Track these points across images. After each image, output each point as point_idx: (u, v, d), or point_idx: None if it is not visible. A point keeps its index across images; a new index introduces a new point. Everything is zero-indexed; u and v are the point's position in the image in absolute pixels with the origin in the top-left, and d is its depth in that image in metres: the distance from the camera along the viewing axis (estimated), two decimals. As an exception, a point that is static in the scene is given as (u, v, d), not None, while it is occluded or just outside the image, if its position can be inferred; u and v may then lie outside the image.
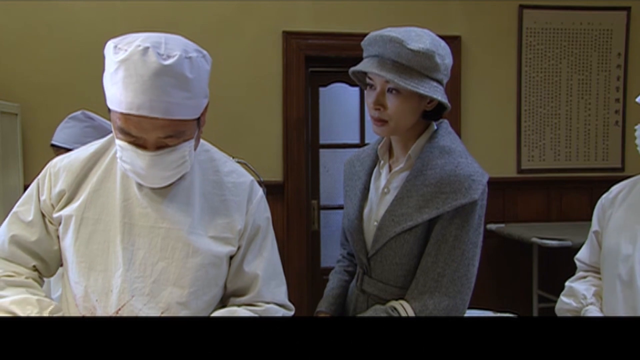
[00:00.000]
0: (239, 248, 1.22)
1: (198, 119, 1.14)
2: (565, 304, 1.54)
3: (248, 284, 1.23)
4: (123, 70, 1.03)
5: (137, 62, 1.02)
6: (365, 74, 1.37)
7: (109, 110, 1.10)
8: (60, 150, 2.00)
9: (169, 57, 1.04)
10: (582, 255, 1.62)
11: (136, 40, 1.04)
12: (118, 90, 1.04)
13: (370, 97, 1.35)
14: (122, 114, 1.05)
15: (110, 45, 1.07)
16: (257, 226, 1.25)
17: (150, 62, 1.02)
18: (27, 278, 1.21)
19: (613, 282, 1.44)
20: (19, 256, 1.22)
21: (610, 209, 1.54)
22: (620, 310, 1.39)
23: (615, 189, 1.57)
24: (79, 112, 2.04)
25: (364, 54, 1.37)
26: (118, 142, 1.10)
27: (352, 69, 1.38)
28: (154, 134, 1.07)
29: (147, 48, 1.03)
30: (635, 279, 1.37)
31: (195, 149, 1.18)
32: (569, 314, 1.52)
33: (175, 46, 1.06)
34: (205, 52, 1.14)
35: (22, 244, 1.21)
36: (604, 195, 1.58)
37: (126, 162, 1.11)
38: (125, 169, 1.14)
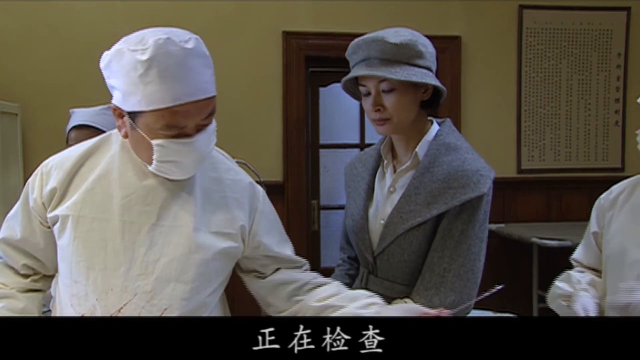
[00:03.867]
0: (258, 245, 1.27)
1: None
2: (559, 289, 1.49)
3: (282, 261, 1.33)
4: (155, 67, 1.03)
5: (166, 55, 1.03)
6: (356, 84, 1.38)
7: (131, 113, 1.09)
8: (93, 131, 1.96)
9: (186, 41, 1.06)
10: (578, 255, 1.60)
11: (145, 38, 1.05)
12: (156, 88, 1.03)
13: (367, 102, 1.36)
14: (167, 108, 1.05)
15: (119, 51, 1.06)
16: (269, 219, 1.31)
17: (177, 51, 1.04)
18: (11, 289, 1.22)
19: (619, 288, 1.41)
20: (10, 255, 1.24)
21: (611, 211, 1.50)
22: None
23: (615, 189, 1.54)
24: None
25: (350, 64, 1.39)
26: (158, 142, 1.09)
27: (344, 80, 1.40)
28: (198, 117, 1.09)
29: (166, 39, 1.04)
30: None
31: None
32: (561, 300, 1.47)
33: (177, 32, 1.08)
34: None
35: (10, 243, 1.23)
36: (603, 196, 1.55)
37: (169, 160, 1.11)
38: (163, 171, 1.13)
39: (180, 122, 1.07)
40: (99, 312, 1.13)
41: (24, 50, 2.98)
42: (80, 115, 2.02)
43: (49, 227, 1.21)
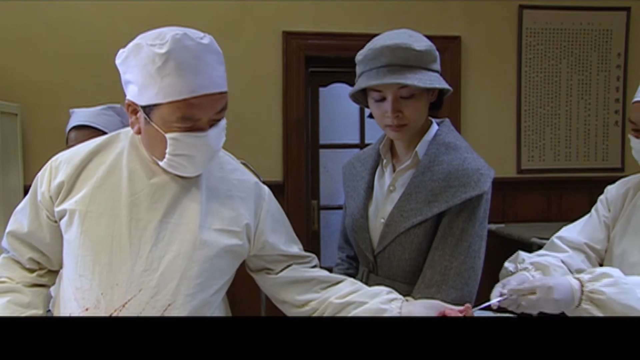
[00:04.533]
0: (264, 245, 1.29)
1: None
2: (504, 269, 1.43)
3: (290, 258, 1.37)
4: (173, 60, 1.07)
5: (183, 49, 1.07)
6: (364, 92, 1.38)
7: (147, 107, 1.11)
8: (93, 132, 1.97)
9: (201, 38, 1.11)
10: (567, 233, 1.49)
11: (163, 33, 1.09)
12: (173, 80, 1.07)
13: (381, 107, 1.35)
14: (184, 100, 1.08)
15: (137, 45, 1.10)
16: (275, 218, 1.33)
17: (193, 45, 1.09)
18: (17, 283, 1.25)
19: None
20: (16, 248, 1.26)
21: (619, 208, 1.47)
22: None
23: (623, 184, 1.50)
24: (117, 105, 2.05)
25: (365, 68, 1.35)
26: (172, 135, 1.12)
27: (360, 87, 1.35)
28: (212, 110, 1.13)
29: (183, 34, 1.08)
30: None
31: None
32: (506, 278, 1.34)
33: (192, 30, 1.12)
34: None
35: (17, 236, 1.26)
36: (614, 190, 1.51)
37: (181, 154, 1.14)
38: (174, 165, 1.16)
39: (195, 114, 1.10)
40: (103, 307, 1.14)
41: (24, 50, 2.98)
42: (80, 116, 2.02)
43: (55, 222, 1.23)
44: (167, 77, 1.07)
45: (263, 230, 1.29)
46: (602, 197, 1.54)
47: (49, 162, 1.26)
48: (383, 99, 1.34)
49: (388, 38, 1.32)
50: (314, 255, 1.41)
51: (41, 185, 1.23)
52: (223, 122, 1.18)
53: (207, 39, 1.12)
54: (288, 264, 1.36)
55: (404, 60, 1.30)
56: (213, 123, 1.15)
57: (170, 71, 1.07)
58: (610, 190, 1.52)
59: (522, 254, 1.46)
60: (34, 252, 1.26)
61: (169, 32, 1.09)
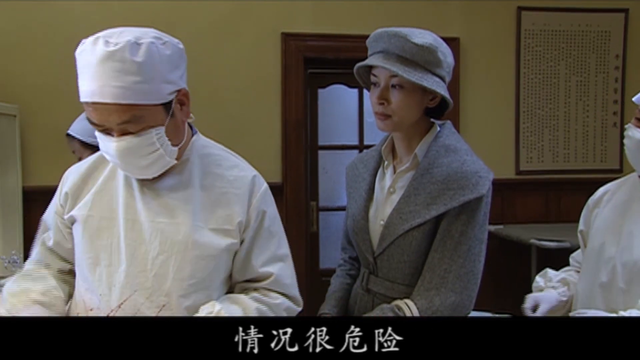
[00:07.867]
0: (242, 241, 1.24)
1: (166, 105, 1.13)
2: (535, 282, 1.67)
3: (262, 276, 1.26)
4: (79, 62, 1.09)
5: (87, 52, 1.07)
6: (369, 73, 1.38)
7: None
8: (74, 140, 2.07)
9: (115, 44, 1.06)
10: (575, 253, 1.70)
11: (97, 34, 1.10)
12: (80, 82, 1.10)
13: (374, 93, 1.37)
14: (85, 103, 1.10)
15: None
16: (262, 218, 1.26)
17: (97, 50, 1.06)
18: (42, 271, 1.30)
19: (592, 284, 1.46)
20: (46, 257, 1.31)
21: (595, 209, 1.57)
22: (600, 312, 1.39)
23: (602, 190, 1.61)
24: None
25: (369, 52, 1.40)
26: (96, 132, 1.15)
27: (357, 65, 1.40)
28: (112, 119, 1.08)
29: (98, 38, 1.07)
30: (617, 280, 1.38)
31: (178, 138, 1.20)
32: (537, 291, 1.62)
33: (128, 35, 1.08)
34: (170, 39, 1.15)
35: (46, 246, 1.31)
36: (592, 197, 1.62)
37: (104, 151, 1.16)
38: (108, 159, 1.19)
39: (95, 118, 1.14)
40: (102, 307, 1.16)
41: (23, 52, 2.98)
42: (73, 125, 2.12)
43: (69, 227, 1.27)
44: (79, 78, 1.10)
45: (247, 227, 1.24)
46: (584, 207, 1.64)
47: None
48: (377, 85, 1.36)
49: (394, 28, 1.33)
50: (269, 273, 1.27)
51: (57, 196, 1.30)
52: (149, 135, 1.11)
53: (117, 46, 1.05)
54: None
55: (399, 50, 1.30)
56: (125, 131, 1.10)
57: (79, 73, 1.10)
58: (590, 199, 1.63)
59: (549, 271, 1.66)
60: (63, 262, 1.31)
61: (96, 35, 1.09)
